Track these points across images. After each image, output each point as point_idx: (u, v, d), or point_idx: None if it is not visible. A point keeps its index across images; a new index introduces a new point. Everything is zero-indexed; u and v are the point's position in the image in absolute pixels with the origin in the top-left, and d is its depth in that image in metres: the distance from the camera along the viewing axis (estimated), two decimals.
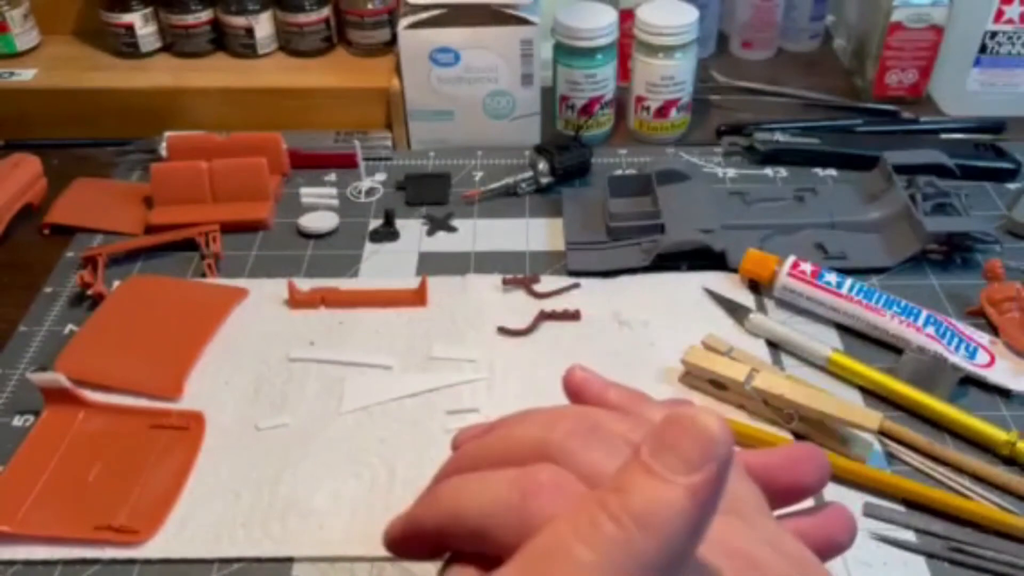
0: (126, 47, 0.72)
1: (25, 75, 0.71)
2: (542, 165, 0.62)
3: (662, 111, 0.67)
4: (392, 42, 0.71)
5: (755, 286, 0.54)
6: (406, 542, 0.23)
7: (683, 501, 0.16)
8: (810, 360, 0.49)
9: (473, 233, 0.60)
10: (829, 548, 0.23)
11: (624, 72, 0.70)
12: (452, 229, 0.60)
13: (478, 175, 0.65)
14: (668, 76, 0.66)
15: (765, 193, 0.61)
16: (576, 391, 0.25)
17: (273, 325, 0.52)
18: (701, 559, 0.18)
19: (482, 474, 0.21)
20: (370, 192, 0.64)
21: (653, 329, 0.51)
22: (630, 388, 0.25)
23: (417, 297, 0.53)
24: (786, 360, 0.49)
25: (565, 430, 0.21)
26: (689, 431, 0.17)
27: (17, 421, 0.47)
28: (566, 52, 0.66)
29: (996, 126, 0.69)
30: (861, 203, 0.60)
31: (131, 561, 0.40)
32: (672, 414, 0.17)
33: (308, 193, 0.63)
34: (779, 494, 0.23)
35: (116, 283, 0.55)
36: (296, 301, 0.54)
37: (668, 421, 0.17)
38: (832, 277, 0.51)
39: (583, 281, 0.55)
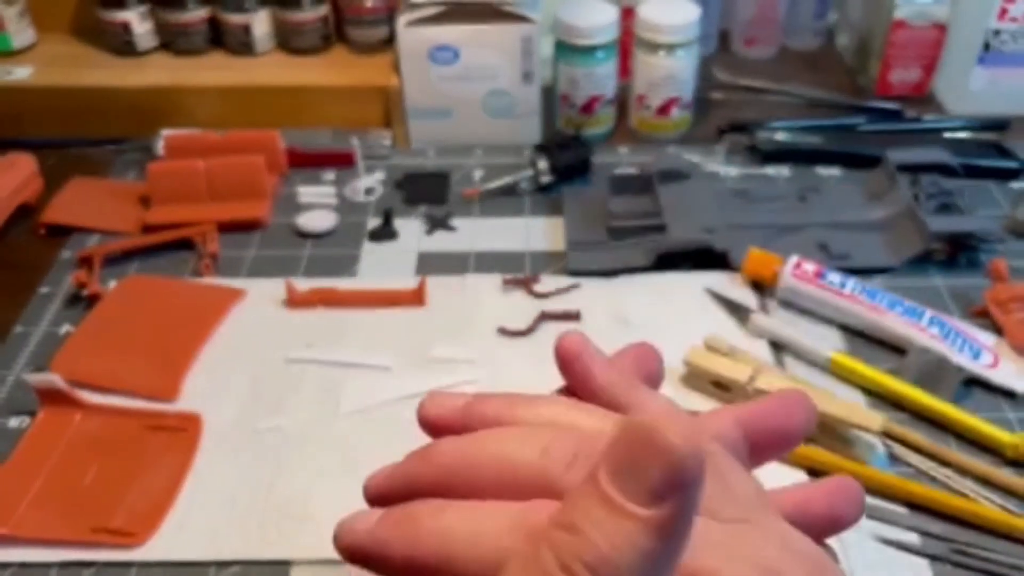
0: (123, 45, 0.72)
1: (21, 73, 0.71)
2: (542, 164, 0.62)
3: (663, 109, 0.67)
4: (391, 40, 0.70)
5: (757, 286, 0.54)
6: (365, 559, 0.20)
7: (647, 540, 0.15)
8: (812, 361, 0.49)
9: (473, 233, 0.59)
10: (835, 523, 0.21)
11: (625, 70, 0.69)
12: (451, 228, 0.60)
13: (478, 174, 0.65)
14: (669, 74, 0.65)
15: (767, 192, 0.61)
16: (566, 363, 0.22)
17: (271, 326, 0.52)
18: None
19: (474, 511, 0.18)
20: (369, 191, 0.63)
21: (654, 329, 0.51)
22: (622, 370, 0.23)
23: (416, 297, 0.53)
24: (788, 361, 0.49)
25: (564, 460, 0.18)
26: (652, 450, 0.15)
27: (13, 422, 0.47)
28: (567, 50, 0.65)
29: (1000, 125, 0.68)
30: (864, 202, 0.59)
31: (128, 564, 0.40)
32: (630, 426, 0.15)
33: (306, 192, 0.63)
34: (768, 443, 0.22)
35: (112, 283, 0.55)
36: (294, 301, 0.53)
37: (627, 435, 0.15)
38: (835, 277, 0.51)
39: (583, 281, 0.54)
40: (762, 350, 0.49)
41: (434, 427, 0.22)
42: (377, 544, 0.20)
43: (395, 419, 0.46)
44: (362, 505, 0.47)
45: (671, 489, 0.15)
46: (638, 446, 0.15)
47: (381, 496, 0.21)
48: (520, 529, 0.17)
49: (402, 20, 0.64)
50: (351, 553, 0.21)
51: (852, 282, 0.51)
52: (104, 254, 0.57)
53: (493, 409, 0.21)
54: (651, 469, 0.15)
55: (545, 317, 0.52)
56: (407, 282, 0.54)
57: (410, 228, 0.60)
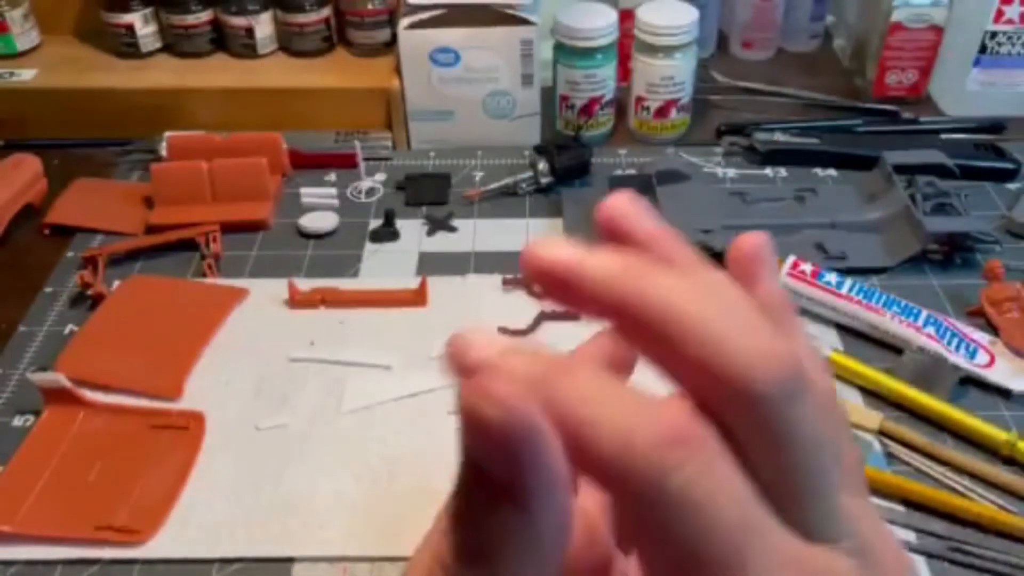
0: (126, 47, 0.72)
1: (25, 75, 0.71)
2: (542, 165, 0.62)
3: (662, 111, 0.67)
4: (392, 42, 0.71)
5: None
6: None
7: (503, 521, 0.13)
8: None
9: (473, 233, 0.60)
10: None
11: (624, 72, 0.70)
12: (452, 229, 0.60)
13: (478, 175, 0.65)
14: (668, 76, 0.66)
15: (765, 193, 0.61)
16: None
17: (273, 325, 0.52)
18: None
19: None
20: (370, 192, 0.64)
21: None
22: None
23: (417, 297, 0.53)
24: None
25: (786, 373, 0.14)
26: (473, 429, 0.13)
27: (17, 421, 0.47)
28: (566, 52, 0.66)
29: (996, 126, 0.69)
30: (861, 203, 0.60)
31: (131, 561, 0.40)
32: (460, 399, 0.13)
33: (308, 193, 0.63)
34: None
35: (116, 283, 0.55)
36: (296, 301, 0.54)
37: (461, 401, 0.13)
38: (832, 277, 0.51)
39: None
40: None
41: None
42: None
43: (396, 418, 0.47)
44: (362, 505, 0.47)
45: (506, 466, 0.13)
46: (466, 422, 0.13)
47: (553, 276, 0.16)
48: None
49: (403, 23, 0.64)
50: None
51: (849, 282, 0.51)
52: (108, 254, 0.57)
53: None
54: (478, 451, 0.13)
55: (545, 317, 0.52)
56: (408, 282, 0.55)
57: (411, 229, 0.60)
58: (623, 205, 0.17)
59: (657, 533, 0.13)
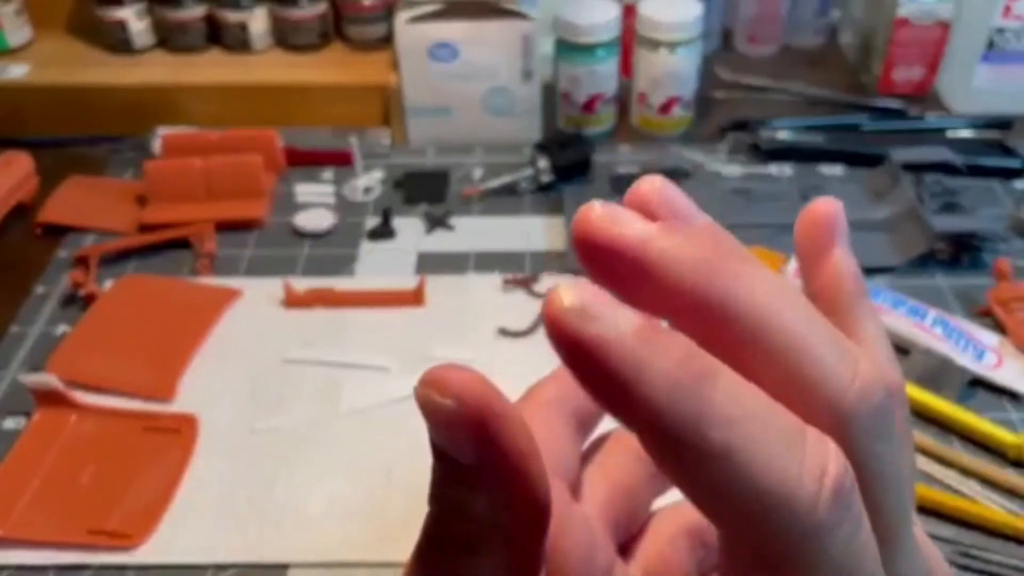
0: (119, 43, 0.71)
1: (17, 71, 0.70)
2: (543, 162, 0.61)
3: (665, 107, 0.67)
4: (390, 37, 0.70)
5: None
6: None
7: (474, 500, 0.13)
8: None
9: (472, 232, 0.59)
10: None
11: (626, 68, 0.69)
12: (451, 228, 0.59)
13: (477, 173, 0.64)
14: (671, 72, 0.65)
15: (770, 191, 0.60)
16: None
17: (268, 325, 0.52)
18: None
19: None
20: (367, 190, 0.63)
21: None
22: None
23: (415, 297, 0.53)
24: None
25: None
26: (433, 420, 0.12)
27: (9, 423, 0.47)
28: (567, 48, 0.65)
29: (1004, 123, 0.68)
30: (867, 201, 0.59)
31: (124, 567, 0.40)
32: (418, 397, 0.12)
33: (304, 191, 0.62)
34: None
35: (109, 283, 0.55)
36: (292, 301, 0.53)
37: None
38: None
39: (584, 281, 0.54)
40: None
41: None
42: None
43: (394, 420, 0.46)
44: (359, 509, 0.47)
45: (466, 452, 0.12)
46: (423, 413, 0.12)
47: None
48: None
49: (401, 17, 0.63)
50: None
51: None
52: (100, 253, 0.56)
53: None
54: (441, 440, 0.13)
55: None
56: (406, 282, 0.54)
57: (409, 227, 0.59)
58: (661, 185, 0.13)
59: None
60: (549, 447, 0.18)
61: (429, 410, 0.12)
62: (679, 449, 0.11)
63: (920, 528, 0.15)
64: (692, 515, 0.20)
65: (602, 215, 0.12)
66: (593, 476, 0.19)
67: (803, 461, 0.11)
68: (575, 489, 0.19)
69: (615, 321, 0.11)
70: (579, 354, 0.11)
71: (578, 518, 0.17)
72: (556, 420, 0.18)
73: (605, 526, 0.18)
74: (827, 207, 0.16)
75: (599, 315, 0.11)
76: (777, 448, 0.11)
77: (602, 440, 0.20)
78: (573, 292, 0.11)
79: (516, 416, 0.13)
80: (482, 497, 0.13)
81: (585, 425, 0.19)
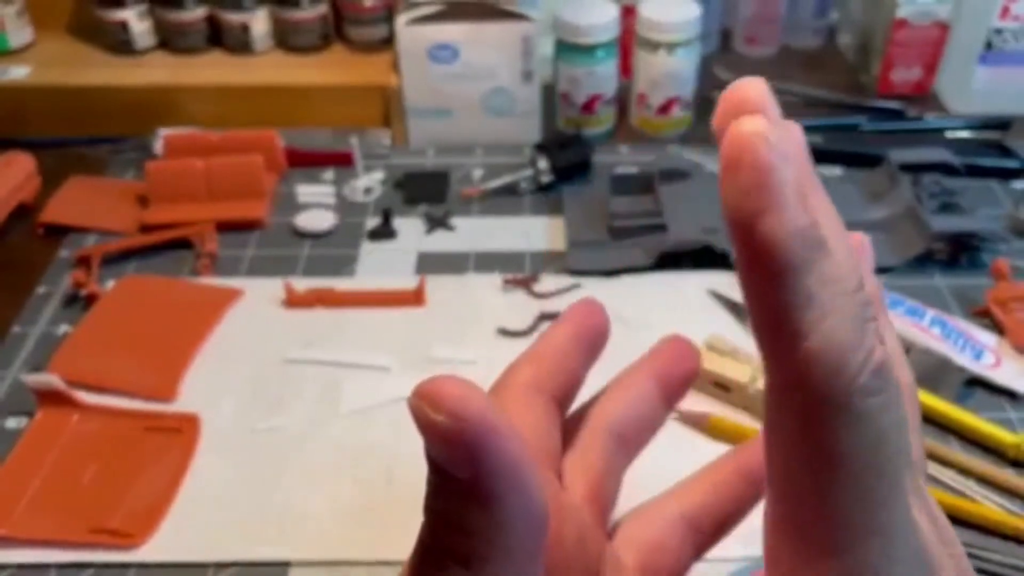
0: (121, 44, 0.71)
1: (19, 72, 0.70)
2: (542, 163, 0.62)
3: (664, 108, 0.67)
4: (390, 39, 0.70)
5: None
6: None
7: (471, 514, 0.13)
8: None
9: (472, 232, 0.59)
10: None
11: (626, 69, 0.69)
12: (451, 228, 0.59)
13: (477, 173, 0.64)
14: (670, 73, 0.65)
15: None
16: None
17: (269, 326, 0.52)
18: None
19: None
20: (368, 191, 0.63)
21: (655, 330, 0.50)
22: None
23: (415, 297, 0.53)
24: None
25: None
26: (427, 433, 0.13)
27: (11, 423, 0.47)
28: (567, 49, 0.65)
29: (1002, 124, 0.68)
30: (866, 202, 0.59)
31: (126, 565, 0.40)
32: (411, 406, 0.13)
33: (305, 192, 0.62)
34: (681, 387, 0.22)
35: (110, 283, 0.55)
36: (293, 301, 0.53)
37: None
38: None
39: (584, 281, 0.54)
40: None
41: None
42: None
43: (394, 420, 0.46)
44: (359, 508, 0.47)
45: (464, 465, 0.13)
46: (418, 427, 0.13)
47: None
48: None
49: (401, 19, 0.63)
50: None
51: None
52: (102, 254, 0.56)
53: None
54: (436, 454, 0.13)
55: (545, 317, 0.51)
56: (406, 282, 0.54)
57: (409, 228, 0.59)
58: (756, 86, 0.14)
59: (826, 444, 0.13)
60: (533, 435, 0.18)
61: (423, 424, 0.13)
62: (786, 276, 0.13)
63: (934, 509, 0.15)
64: (687, 501, 0.20)
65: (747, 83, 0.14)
66: (574, 461, 0.19)
67: (863, 339, 0.13)
68: (560, 474, 0.19)
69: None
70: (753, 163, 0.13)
71: (568, 505, 0.18)
72: (536, 404, 0.19)
73: (594, 515, 0.19)
74: (856, 239, 0.17)
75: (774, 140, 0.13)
76: (851, 322, 0.13)
77: (578, 421, 0.20)
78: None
79: (510, 429, 0.13)
80: (477, 510, 0.13)
81: (562, 405, 0.20)
